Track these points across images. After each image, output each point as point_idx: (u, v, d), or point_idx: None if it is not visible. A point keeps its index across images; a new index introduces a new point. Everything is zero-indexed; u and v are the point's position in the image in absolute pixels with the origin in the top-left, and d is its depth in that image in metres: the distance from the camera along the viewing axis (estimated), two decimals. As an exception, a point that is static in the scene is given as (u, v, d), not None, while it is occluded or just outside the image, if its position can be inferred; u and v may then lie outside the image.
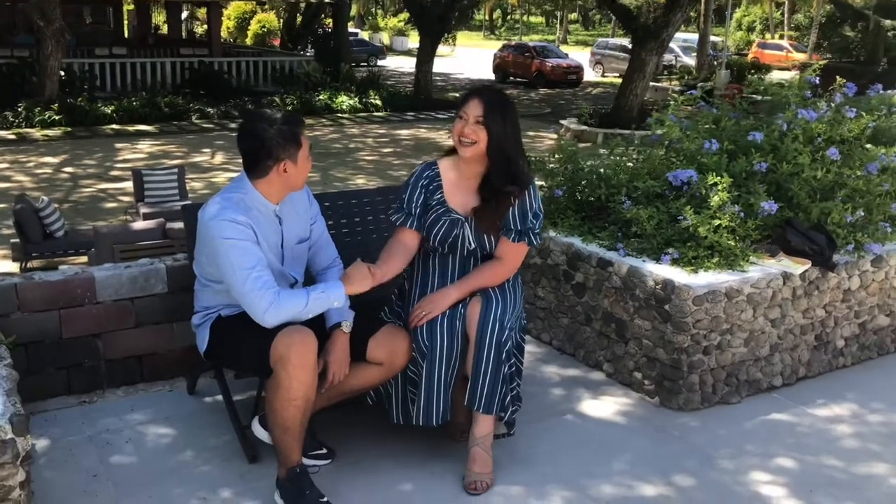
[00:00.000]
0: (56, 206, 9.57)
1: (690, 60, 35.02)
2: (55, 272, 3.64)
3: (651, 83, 20.91)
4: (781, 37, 47.45)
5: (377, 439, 3.30)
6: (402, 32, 54.15)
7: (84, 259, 8.93)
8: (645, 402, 3.75)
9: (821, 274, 3.93)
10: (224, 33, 39.45)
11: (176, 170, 10.78)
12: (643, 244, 3.89)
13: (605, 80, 35.93)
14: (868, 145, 4.54)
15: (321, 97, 22.26)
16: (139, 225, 8.66)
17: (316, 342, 2.82)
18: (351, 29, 38.07)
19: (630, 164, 4.56)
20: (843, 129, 4.30)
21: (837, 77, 4.86)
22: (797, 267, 3.81)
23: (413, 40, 43.39)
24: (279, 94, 22.18)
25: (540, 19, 74.08)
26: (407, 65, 36.27)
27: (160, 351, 3.75)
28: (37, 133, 17.90)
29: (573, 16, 70.04)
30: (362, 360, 3.03)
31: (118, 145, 17.23)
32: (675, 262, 3.74)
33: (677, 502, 3.03)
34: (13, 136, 17.56)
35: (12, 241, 9.28)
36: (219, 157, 16.22)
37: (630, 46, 21.34)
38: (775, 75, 23.42)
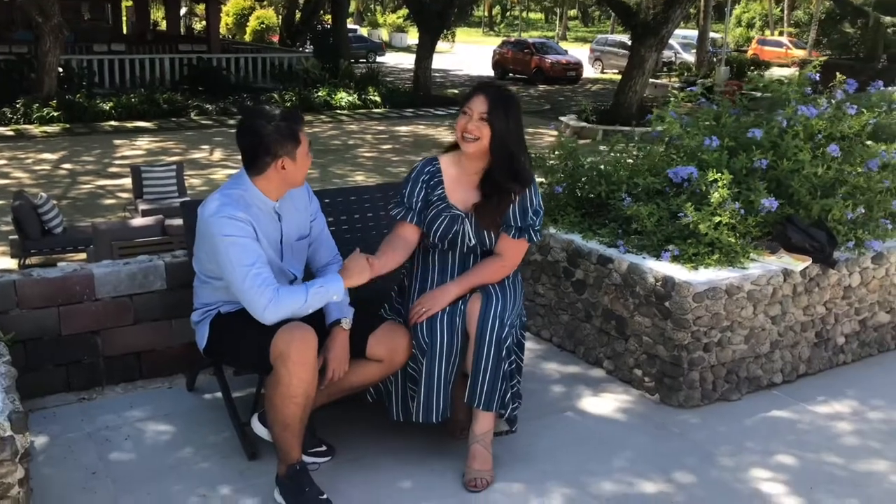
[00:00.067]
0: (55, 202, 9.56)
1: (690, 57, 35.01)
2: (54, 269, 3.63)
3: (650, 80, 20.92)
4: (781, 33, 47.43)
5: (377, 436, 3.30)
6: (401, 29, 54.12)
7: (83, 256, 8.93)
8: (645, 399, 3.75)
9: (821, 271, 3.93)
10: (223, 30, 39.40)
11: (175, 166, 10.78)
12: (643, 241, 3.88)
13: (604, 76, 35.92)
14: (868, 142, 4.53)
15: (320, 94, 22.24)
16: (138, 222, 8.66)
17: (316, 339, 2.81)
18: (350, 25, 38.00)
19: (630, 161, 4.55)
20: (844, 126, 4.29)
21: (837, 74, 4.85)
22: (798, 264, 3.80)
23: (412, 37, 43.40)
24: (278, 91, 22.16)
25: (539, 16, 74.01)
26: (406, 61, 36.23)
27: (159, 348, 3.74)
28: (35, 129, 17.89)
29: (572, 12, 70.00)
30: (362, 356, 3.02)
31: (117, 142, 17.23)
32: (675, 258, 3.73)
33: (677, 499, 3.03)
34: (11, 133, 17.54)
35: (11, 237, 9.27)
36: (217, 154, 16.21)
37: (629, 43, 21.35)
38: (775, 72, 23.41)
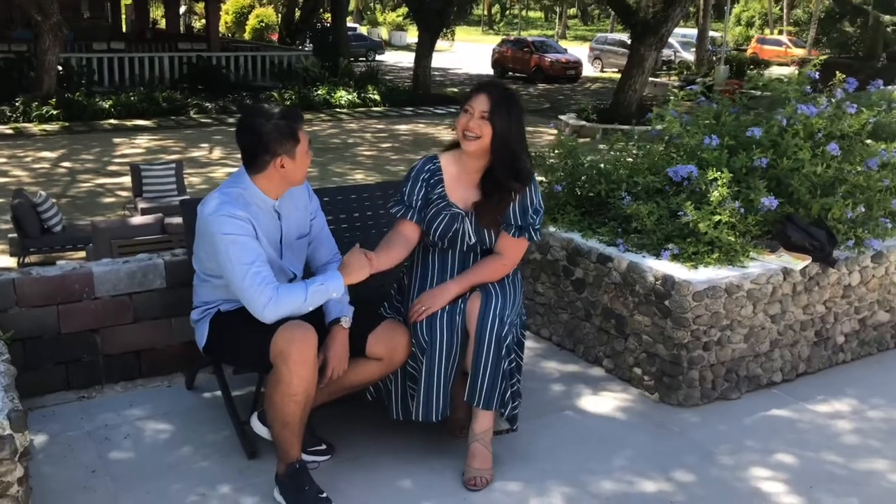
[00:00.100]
0: (54, 200, 9.55)
1: (689, 56, 35.00)
2: (53, 267, 3.63)
3: (650, 78, 20.91)
4: (780, 32, 47.41)
5: (377, 435, 3.30)
6: (400, 27, 54.09)
7: (82, 254, 8.91)
8: (645, 397, 3.75)
9: (821, 270, 3.93)
10: (222, 28, 39.38)
11: (174, 165, 10.77)
12: (643, 240, 3.88)
13: (603, 75, 35.92)
14: (868, 141, 4.53)
15: (319, 92, 22.23)
16: (137, 220, 8.65)
17: (316, 337, 2.81)
18: (349, 24, 38.01)
19: (630, 160, 4.55)
20: (844, 125, 4.29)
21: (837, 72, 4.85)
22: (797, 263, 3.80)
23: (412, 35, 43.32)
24: (277, 89, 22.15)
25: (539, 14, 73.98)
26: (405, 60, 36.21)
27: (159, 346, 3.74)
28: (34, 128, 17.88)
29: (572, 11, 69.91)
30: (362, 355, 3.02)
31: (116, 140, 17.21)
32: (674, 257, 3.73)
33: (677, 498, 3.03)
34: (10, 131, 17.53)
35: (10, 236, 9.26)
36: (217, 152, 16.20)
37: (629, 42, 21.34)
38: (774, 71, 23.41)
